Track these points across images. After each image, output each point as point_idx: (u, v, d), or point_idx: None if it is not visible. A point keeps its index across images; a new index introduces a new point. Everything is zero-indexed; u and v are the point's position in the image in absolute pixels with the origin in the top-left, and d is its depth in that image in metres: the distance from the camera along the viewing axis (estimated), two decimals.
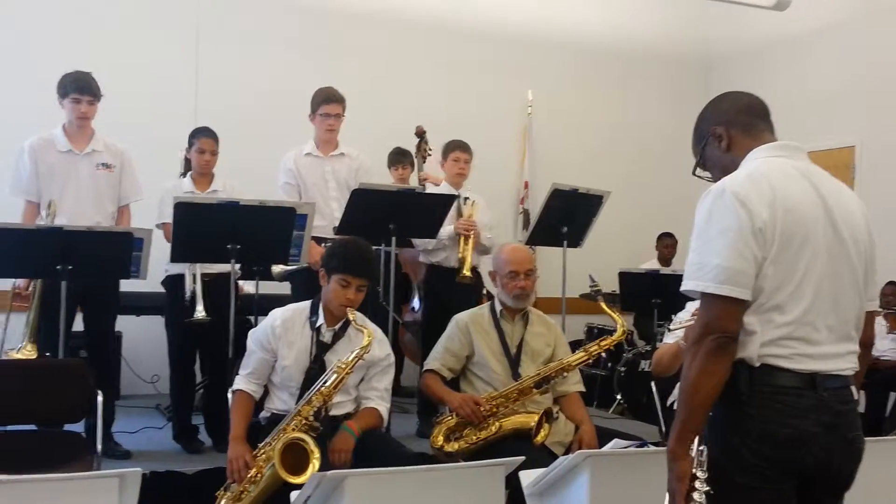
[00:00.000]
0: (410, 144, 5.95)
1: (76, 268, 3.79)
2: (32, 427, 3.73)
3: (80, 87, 4.27)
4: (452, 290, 4.75)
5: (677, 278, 5.46)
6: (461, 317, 3.67)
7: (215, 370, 4.58)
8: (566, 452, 3.37)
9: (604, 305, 3.66)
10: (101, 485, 2.30)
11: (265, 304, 5.05)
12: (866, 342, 2.06)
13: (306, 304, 3.38)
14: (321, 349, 3.29)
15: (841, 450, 1.90)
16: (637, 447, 2.92)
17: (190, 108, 6.27)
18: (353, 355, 3.17)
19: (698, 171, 2.15)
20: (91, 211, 4.31)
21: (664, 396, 4.02)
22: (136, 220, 4.59)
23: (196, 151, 4.51)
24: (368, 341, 3.15)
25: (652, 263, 7.32)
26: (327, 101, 4.61)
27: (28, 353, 3.89)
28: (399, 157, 5.99)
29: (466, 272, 4.76)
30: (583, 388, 3.67)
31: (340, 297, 3.24)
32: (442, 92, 7.07)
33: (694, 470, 1.83)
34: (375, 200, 4.23)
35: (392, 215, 4.24)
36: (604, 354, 3.90)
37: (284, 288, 4.94)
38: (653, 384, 4.09)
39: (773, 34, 7.38)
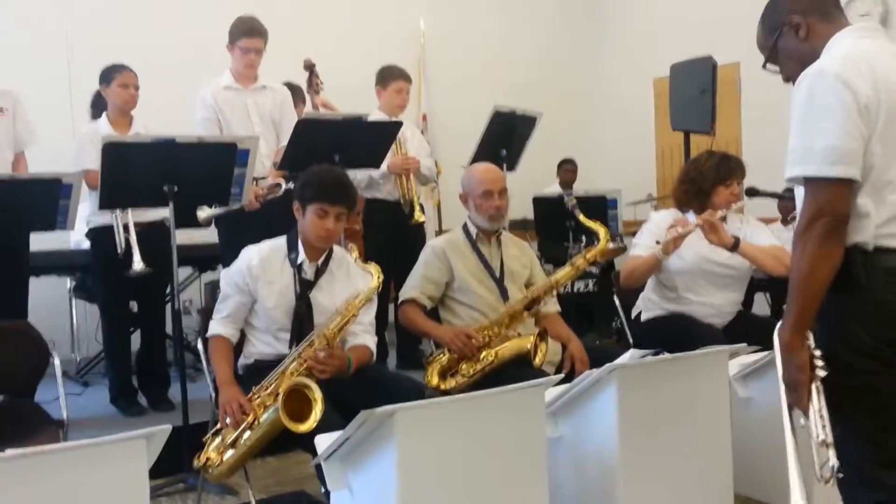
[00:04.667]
0: (298, 80, 5.47)
1: None
2: None
3: None
4: (398, 226, 4.59)
5: (589, 200, 5.54)
6: (436, 242, 3.51)
7: (152, 324, 4.25)
8: (558, 371, 3.32)
9: (583, 218, 3.61)
10: (129, 448, 2.03)
11: (191, 254, 4.76)
12: None
13: (281, 240, 3.13)
14: (305, 287, 3.05)
15: None
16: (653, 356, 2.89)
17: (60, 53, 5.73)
18: (362, 296, 2.99)
19: (769, 65, 2.10)
20: None
21: (627, 309, 4.05)
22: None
23: (118, 87, 4.09)
24: (378, 282, 2.97)
25: (553, 188, 7.39)
26: (249, 35, 4.26)
27: None
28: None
29: (419, 217, 4.62)
30: (559, 308, 3.61)
31: (319, 227, 3.01)
32: (329, 24, 6.74)
33: (815, 360, 1.82)
34: (320, 131, 3.96)
35: (337, 146, 3.98)
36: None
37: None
38: (616, 298, 4.11)
39: None
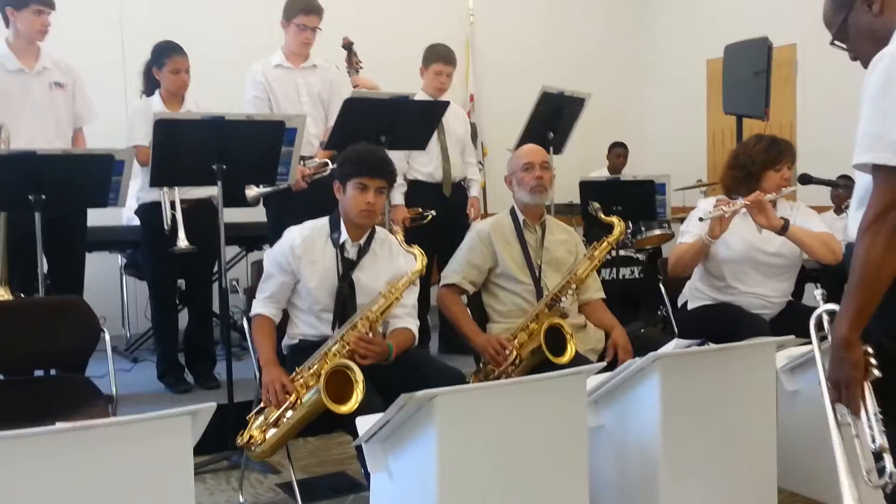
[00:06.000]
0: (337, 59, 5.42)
1: (50, 197, 3.43)
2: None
3: None
4: (440, 207, 4.60)
5: (637, 184, 5.49)
6: (482, 226, 3.48)
7: (199, 302, 4.31)
8: (600, 359, 3.29)
9: (602, 216, 3.62)
10: (174, 424, 2.06)
11: (238, 233, 4.81)
12: None
13: (324, 220, 3.14)
14: (347, 267, 3.06)
15: None
16: (698, 346, 2.85)
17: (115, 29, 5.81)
18: (406, 279, 2.99)
19: (836, 43, 1.98)
20: (52, 135, 3.95)
21: (673, 298, 4.00)
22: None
23: (170, 72, 4.12)
24: (422, 265, 2.97)
25: (601, 172, 7.31)
26: (307, 12, 4.28)
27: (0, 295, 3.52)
28: None
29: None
30: (603, 295, 3.57)
31: (360, 202, 3.00)
32: (377, 2, 6.73)
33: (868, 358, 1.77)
34: (368, 110, 3.95)
35: (383, 126, 3.97)
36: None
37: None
38: (661, 286, 4.06)
39: None
